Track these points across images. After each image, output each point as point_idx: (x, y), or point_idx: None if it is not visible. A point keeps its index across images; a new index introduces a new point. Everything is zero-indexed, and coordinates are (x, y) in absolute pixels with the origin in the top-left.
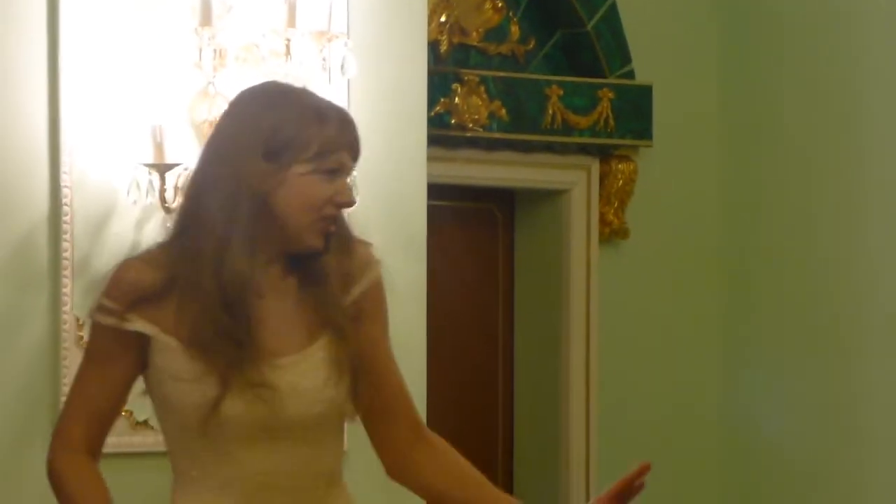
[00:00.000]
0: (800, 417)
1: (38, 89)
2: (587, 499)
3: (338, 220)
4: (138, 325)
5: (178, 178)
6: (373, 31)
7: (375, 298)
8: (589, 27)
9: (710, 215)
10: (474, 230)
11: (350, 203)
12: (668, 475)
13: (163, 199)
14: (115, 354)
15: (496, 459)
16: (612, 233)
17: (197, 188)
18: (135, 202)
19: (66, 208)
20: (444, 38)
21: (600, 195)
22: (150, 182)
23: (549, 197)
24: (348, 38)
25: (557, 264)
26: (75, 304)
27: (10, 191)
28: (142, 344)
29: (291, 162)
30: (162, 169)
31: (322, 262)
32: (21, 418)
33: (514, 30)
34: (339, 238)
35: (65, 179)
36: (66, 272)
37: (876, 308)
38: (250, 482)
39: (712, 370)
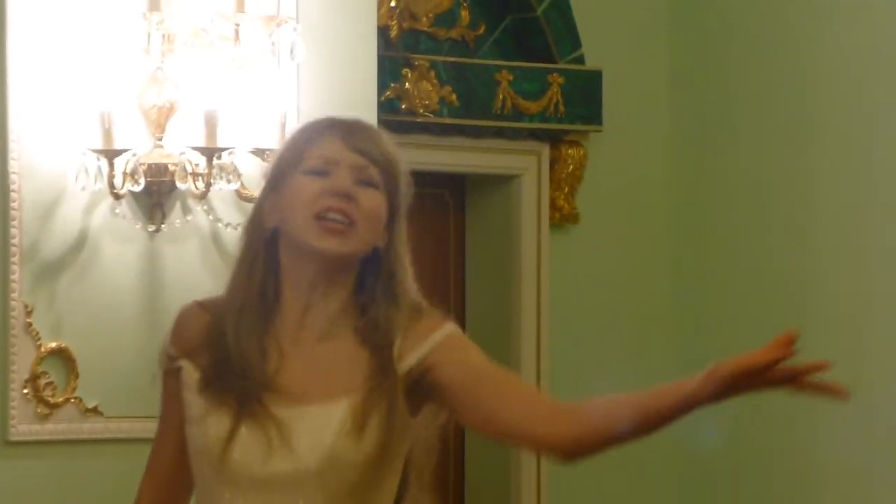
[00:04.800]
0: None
1: None
2: (538, 477)
3: (349, 219)
4: (181, 362)
5: (126, 163)
6: (322, 15)
7: (448, 348)
8: (539, 12)
9: (659, 200)
10: (425, 215)
11: (339, 188)
12: (621, 455)
13: (111, 185)
14: (170, 402)
15: (448, 438)
16: (562, 218)
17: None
18: (83, 188)
19: (14, 194)
20: (394, 22)
21: (550, 180)
22: (99, 168)
23: (500, 182)
24: (297, 22)
25: (508, 250)
26: (24, 290)
27: None
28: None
29: (289, 180)
30: (110, 155)
31: (381, 315)
32: None
33: (464, 15)
34: (407, 302)
35: (13, 165)
36: (15, 259)
37: (822, 287)
38: None
39: (662, 354)
